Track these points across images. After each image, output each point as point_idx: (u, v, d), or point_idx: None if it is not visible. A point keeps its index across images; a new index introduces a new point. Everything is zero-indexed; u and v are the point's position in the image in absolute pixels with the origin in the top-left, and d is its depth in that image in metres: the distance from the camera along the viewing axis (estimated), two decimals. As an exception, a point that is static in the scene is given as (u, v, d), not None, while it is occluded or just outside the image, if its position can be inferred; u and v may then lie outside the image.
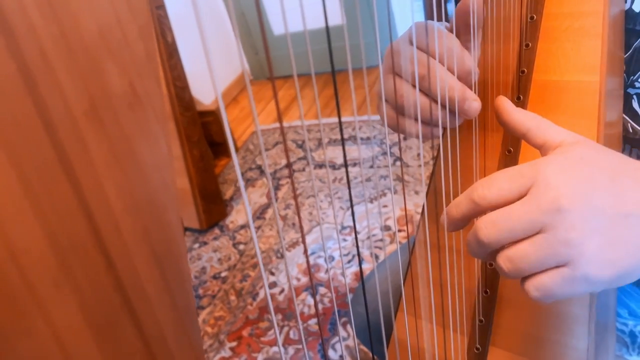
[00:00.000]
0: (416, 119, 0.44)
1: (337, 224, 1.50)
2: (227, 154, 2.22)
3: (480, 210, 0.33)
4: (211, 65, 0.19)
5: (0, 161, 0.15)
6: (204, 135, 1.87)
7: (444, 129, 0.49)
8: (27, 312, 0.16)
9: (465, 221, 0.35)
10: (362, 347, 1.21)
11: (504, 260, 0.31)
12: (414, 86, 0.43)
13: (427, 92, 0.43)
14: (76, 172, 0.17)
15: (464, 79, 0.43)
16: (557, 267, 0.31)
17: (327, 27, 0.27)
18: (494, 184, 0.32)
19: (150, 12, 0.19)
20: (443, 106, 0.44)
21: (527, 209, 0.31)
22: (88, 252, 0.18)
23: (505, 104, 0.37)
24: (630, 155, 0.56)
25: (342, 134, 0.26)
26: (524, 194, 0.32)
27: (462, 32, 0.45)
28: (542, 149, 0.36)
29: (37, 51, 0.15)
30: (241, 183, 0.20)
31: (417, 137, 0.45)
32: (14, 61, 0.15)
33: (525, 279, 0.32)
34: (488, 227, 0.31)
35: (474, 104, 0.43)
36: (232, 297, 1.56)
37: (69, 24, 0.16)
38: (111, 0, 0.17)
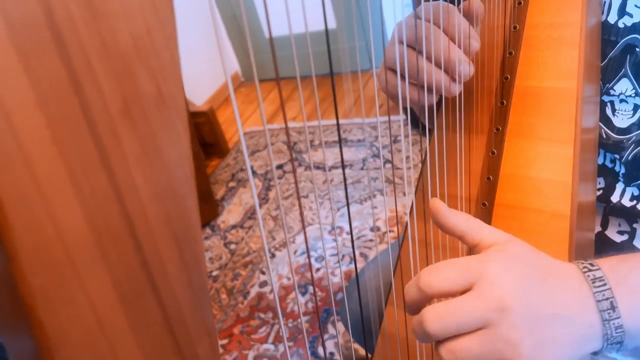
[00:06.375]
0: (415, 84, 0.48)
1: (332, 223, 1.53)
2: (218, 154, 2.24)
3: (426, 298, 0.34)
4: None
5: (52, 154, 0.18)
6: (196, 136, 1.89)
7: (440, 99, 0.52)
8: (69, 284, 0.19)
9: (415, 307, 0.35)
10: (354, 344, 1.24)
11: (446, 352, 0.32)
12: (419, 53, 0.47)
13: (431, 57, 0.47)
14: (112, 163, 0.19)
15: (465, 45, 0.48)
16: None
17: (326, 31, 0.30)
18: (441, 273, 0.33)
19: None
20: (441, 67, 0.48)
21: (474, 305, 0.32)
22: (119, 233, 0.20)
23: (440, 208, 0.38)
24: (604, 158, 0.60)
25: (339, 135, 0.28)
26: (467, 288, 0.33)
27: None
28: (477, 249, 0.37)
29: (82, 58, 0.18)
30: (247, 172, 0.23)
31: (413, 101, 0.49)
32: (64, 67, 0.18)
33: None
34: (435, 320, 0.32)
35: (471, 67, 0.48)
36: (223, 296, 1.58)
37: (108, 34, 0.19)
38: (143, 13, 0.20)
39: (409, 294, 0.35)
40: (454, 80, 0.48)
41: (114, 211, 0.20)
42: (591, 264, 0.35)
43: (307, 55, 0.30)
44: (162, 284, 0.22)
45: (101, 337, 0.20)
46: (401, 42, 0.47)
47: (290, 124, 2.38)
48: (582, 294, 0.34)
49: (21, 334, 0.19)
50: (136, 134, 0.20)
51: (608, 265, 0.35)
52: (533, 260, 0.35)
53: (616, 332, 0.33)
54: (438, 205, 0.38)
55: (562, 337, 0.33)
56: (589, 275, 0.34)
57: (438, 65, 0.47)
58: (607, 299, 0.33)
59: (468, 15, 0.49)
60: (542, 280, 0.34)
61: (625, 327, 0.33)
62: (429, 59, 0.47)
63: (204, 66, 2.34)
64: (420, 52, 0.47)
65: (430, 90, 0.49)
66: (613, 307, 0.33)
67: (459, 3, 0.49)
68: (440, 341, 0.33)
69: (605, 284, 0.34)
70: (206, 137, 2.11)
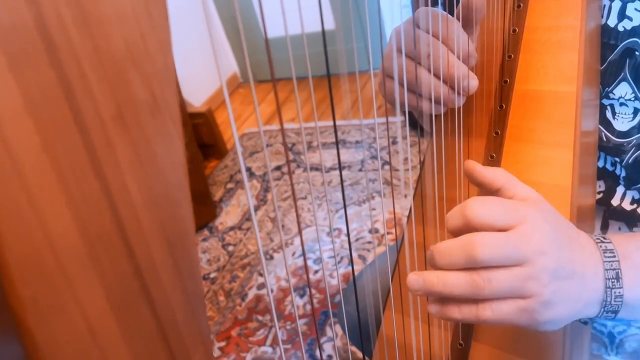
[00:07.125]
0: (420, 95, 0.48)
1: (330, 225, 1.52)
2: (217, 155, 2.24)
3: (468, 227, 0.35)
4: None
5: (43, 161, 0.17)
6: (194, 137, 1.89)
7: (445, 108, 0.51)
8: (61, 293, 0.18)
9: (457, 234, 0.36)
10: (351, 347, 1.23)
11: (482, 278, 0.34)
12: (419, 64, 0.47)
13: (431, 70, 0.47)
14: (104, 170, 0.19)
15: (464, 59, 0.47)
16: (515, 298, 0.35)
17: (323, 32, 0.30)
18: (490, 207, 0.35)
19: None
20: (445, 82, 0.47)
21: (521, 243, 0.34)
22: (112, 240, 0.20)
23: (476, 167, 0.40)
24: (605, 161, 0.59)
25: (336, 137, 0.28)
26: (507, 228, 0.35)
27: (464, 24, 0.49)
28: None
29: (74, 64, 0.18)
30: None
31: (413, 108, 0.49)
32: (55, 72, 0.17)
33: (482, 301, 0.35)
34: (489, 246, 0.34)
35: (473, 81, 0.48)
36: (221, 298, 1.58)
37: (101, 40, 0.18)
38: (136, 18, 0.19)
39: (451, 220, 0.36)
40: (455, 91, 0.48)
41: (106, 219, 0.19)
42: (603, 237, 0.39)
43: (303, 57, 0.29)
44: (155, 292, 0.21)
45: (93, 346, 0.20)
46: (399, 51, 0.47)
47: (289, 125, 2.37)
48: (596, 261, 0.37)
49: (11, 344, 0.18)
50: (129, 140, 0.20)
51: (617, 240, 0.39)
52: (561, 222, 0.38)
53: (615, 301, 0.37)
54: (473, 164, 0.40)
55: (575, 293, 0.36)
56: (601, 246, 0.38)
57: (439, 76, 0.47)
58: (613, 269, 0.37)
59: (467, 11, 0.49)
60: (569, 240, 0.37)
61: (624, 298, 0.37)
62: (429, 70, 0.47)
63: (203, 67, 2.34)
64: (419, 63, 0.47)
65: (431, 101, 0.49)
66: (618, 278, 0.37)
67: (457, 3, 0.49)
68: (469, 269, 0.35)
69: (614, 256, 0.38)
70: (204, 138, 2.11)
